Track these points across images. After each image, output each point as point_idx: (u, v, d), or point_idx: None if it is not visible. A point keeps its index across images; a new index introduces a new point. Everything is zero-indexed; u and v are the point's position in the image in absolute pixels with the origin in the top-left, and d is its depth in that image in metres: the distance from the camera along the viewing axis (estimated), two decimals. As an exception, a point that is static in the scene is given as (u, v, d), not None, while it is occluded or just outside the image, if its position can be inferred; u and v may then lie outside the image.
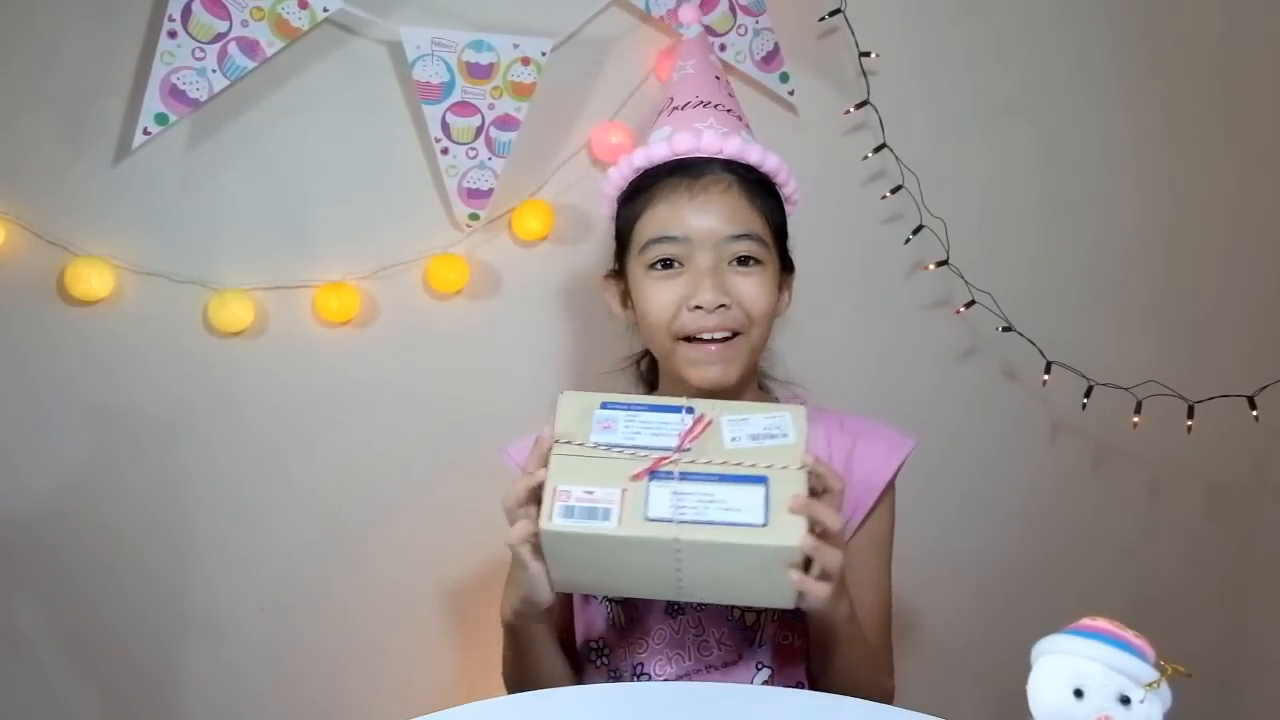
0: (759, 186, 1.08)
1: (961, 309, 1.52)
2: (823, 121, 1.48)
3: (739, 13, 1.39)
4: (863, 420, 1.12)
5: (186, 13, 1.23)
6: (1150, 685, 0.60)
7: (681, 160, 1.06)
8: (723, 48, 1.40)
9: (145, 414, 1.36)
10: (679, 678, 1.05)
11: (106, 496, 1.37)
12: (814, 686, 1.05)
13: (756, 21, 1.40)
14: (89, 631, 1.39)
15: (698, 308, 1.01)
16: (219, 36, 1.24)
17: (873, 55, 1.44)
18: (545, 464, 0.90)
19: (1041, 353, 1.53)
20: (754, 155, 1.07)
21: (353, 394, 1.42)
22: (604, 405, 0.92)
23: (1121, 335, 1.60)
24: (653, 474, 0.87)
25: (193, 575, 1.41)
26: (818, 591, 0.87)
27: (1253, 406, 1.49)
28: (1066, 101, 1.55)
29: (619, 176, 1.11)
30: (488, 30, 1.32)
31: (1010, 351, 1.56)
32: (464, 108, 1.33)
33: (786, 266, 1.12)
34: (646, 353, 1.18)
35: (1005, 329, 1.52)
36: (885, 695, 1.06)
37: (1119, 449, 1.63)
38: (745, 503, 0.86)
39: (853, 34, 1.43)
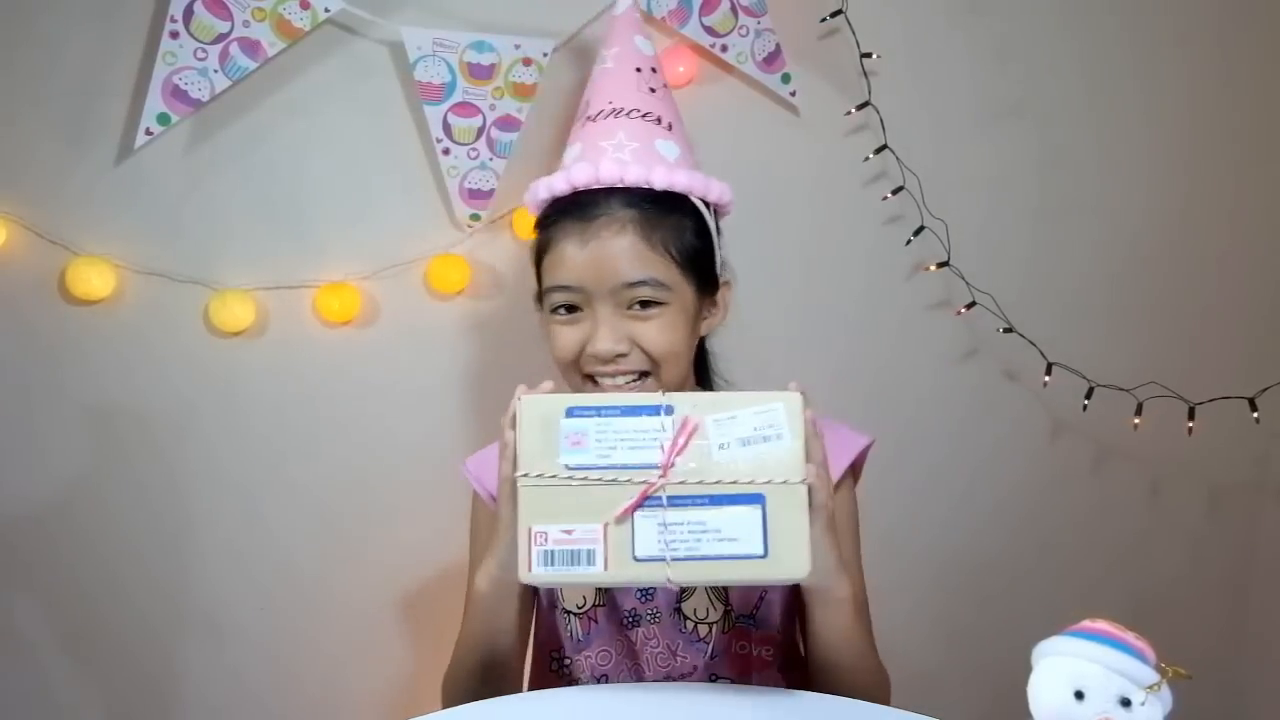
0: (664, 214, 1.00)
1: (962, 310, 1.52)
2: (824, 122, 1.48)
3: (740, 14, 1.39)
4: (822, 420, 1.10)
5: (188, 13, 1.23)
6: (1151, 688, 0.60)
7: (579, 195, 1.00)
8: (724, 48, 1.40)
9: (146, 414, 1.36)
10: None
11: (106, 496, 1.37)
12: (811, 681, 1.03)
13: (758, 22, 1.40)
14: (89, 631, 1.39)
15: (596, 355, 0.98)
16: (221, 37, 1.24)
17: (874, 56, 1.44)
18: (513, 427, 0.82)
19: (1042, 354, 1.52)
20: (659, 178, 0.99)
21: (353, 394, 1.42)
22: (569, 412, 0.81)
23: (1122, 336, 1.60)
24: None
25: (193, 575, 1.41)
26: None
27: (1253, 408, 1.49)
28: (1068, 102, 1.55)
29: (532, 205, 1.05)
30: (489, 31, 1.32)
31: (1011, 353, 1.56)
32: (465, 108, 1.33)
33: (711, 285, 1.05)
34: None
35: (1006, 330, 1.52)
36: (883, 683, 1.03)
37: (1119, 450, 1.62)
38: (741, 529, 0.78)
39: (854, 35, 1.43)
